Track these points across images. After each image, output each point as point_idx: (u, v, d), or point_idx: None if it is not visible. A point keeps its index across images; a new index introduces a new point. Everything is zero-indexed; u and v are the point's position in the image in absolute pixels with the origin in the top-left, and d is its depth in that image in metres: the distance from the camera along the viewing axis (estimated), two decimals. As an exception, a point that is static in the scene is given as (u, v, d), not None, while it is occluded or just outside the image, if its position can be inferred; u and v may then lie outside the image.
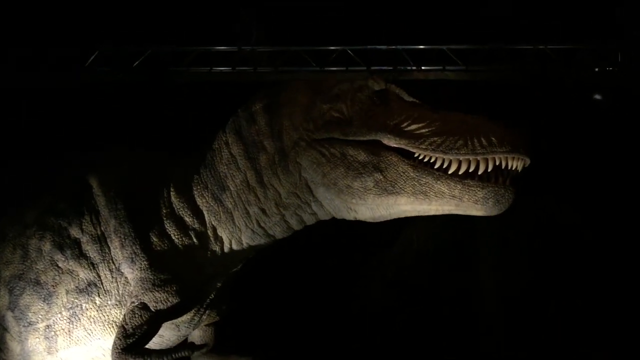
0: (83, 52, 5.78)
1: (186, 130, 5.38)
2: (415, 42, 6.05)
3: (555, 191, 5.19)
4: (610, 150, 5.66)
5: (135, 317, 3.02)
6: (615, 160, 5.66)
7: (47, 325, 3.17)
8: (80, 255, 3.18)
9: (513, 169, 2.75)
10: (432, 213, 2.90)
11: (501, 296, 5.20)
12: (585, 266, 5.27)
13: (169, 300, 3.07)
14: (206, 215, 3.21)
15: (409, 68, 6.00)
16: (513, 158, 2.71)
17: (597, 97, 5.76)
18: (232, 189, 3.16)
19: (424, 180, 2.78)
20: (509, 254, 5.20)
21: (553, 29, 5.86)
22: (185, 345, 3.17)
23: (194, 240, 3.20)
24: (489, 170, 2.73)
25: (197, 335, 3.59)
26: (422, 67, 6.02)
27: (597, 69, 5.78)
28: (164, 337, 3.27)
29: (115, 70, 5.75)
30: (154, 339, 3.14)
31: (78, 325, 3.16)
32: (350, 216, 3.02)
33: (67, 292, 3.16)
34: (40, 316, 3.17)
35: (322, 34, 6.00)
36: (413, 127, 2.83)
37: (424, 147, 2.77)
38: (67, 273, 3.17)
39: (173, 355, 2.96)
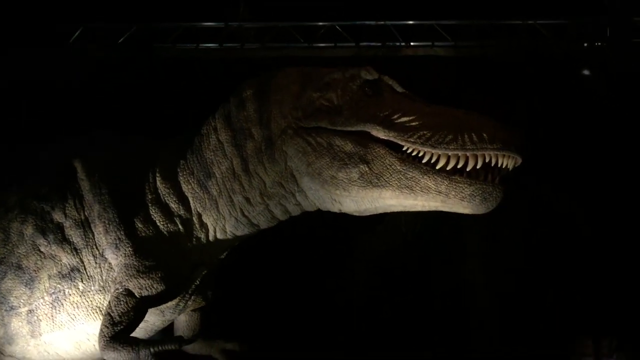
0: (67, 29, 5.70)
1: (173, 107, 5.34)
2: (404, 17, 6.00)
3: (543, 170, 5.20)
4: (598, 125, 5.67)
5: (120, 303, 3.00)
6: (603, 136, 5.67)
7: (30, 310, 3.15)
8: (63, 240, 3.15)
9: (503, 167, 2.70)
10: (418, 209, 2.86)
11: (490, 285, 5.24)
12: (574, 248, 5.32)
13: (153, 287, 3.05)
14: (191, 202, 3.18)
15: (397, 44, 5.95)
16: (504, 156, 2.66)
17: (586, 72, 5.74)
18: (217, 176, 3.13)
19: (411, 174, 2.74)
20: (496, 242, 5.24)
21: (542, 5, 5.81)
22: (174, 338, 3.15)
23: (179, 227, 3.18)
24: (478, 167, 2.68)
25: (183, 320, 3.59)
26: (411, 43, 5.97)
27: (585, 44, 5.76)
28: (149, 322, 3.27)
29: (100, 47, 5.67)
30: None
31: (61, 310, 3.14)
32: (334, 208, 2.99)
33: (50, 277, 3.14)
34: (22, 301, 3.15)
35: (310, 9, 5.92)
36: (403, 119, 2.78)
37: (412, 140, 2.72)
38: (50, 258, 3.14)
39: (161, 347, 2.94)
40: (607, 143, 5.60)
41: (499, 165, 2.69)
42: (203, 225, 3.20)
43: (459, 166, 2.69)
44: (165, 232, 3.16)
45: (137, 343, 2.96)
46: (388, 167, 2.77)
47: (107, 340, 2.96)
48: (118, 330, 2.97)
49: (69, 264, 3.13)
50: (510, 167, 2.72)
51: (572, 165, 5.50)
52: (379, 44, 5.96)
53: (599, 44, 5.71)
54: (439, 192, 2.71)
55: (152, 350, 2.92)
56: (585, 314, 5.28)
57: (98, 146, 3.38)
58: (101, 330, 3.00)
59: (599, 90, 5.66)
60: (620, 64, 5.60)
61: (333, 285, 5.04)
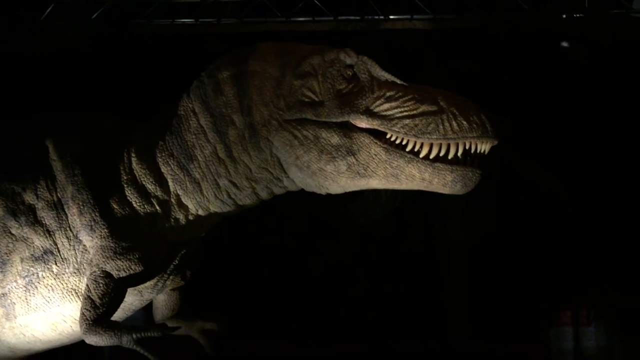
0: (39, 5, 5.55)
1: (148, 84, 5.25)
2: (383, -10, 5.92)
3: (523, 143, 5.22)
4: (577, 96, 5.69)
5: (99, 286, 2.97)
6: (582, 108, 5.70)
7: (3, 294, 3.12)
8: (35, 222, 3.10)
9: (481, 151, 2.83)
10: (401, 189, 3.00)
11: (470, 256, 5.28)
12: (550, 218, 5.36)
13: (131, 268, 3.03)
14: (170, 184, 3.15)
15: (377, 17, 5.88)
16: (482, 142, 2.81)
17: (564, 44, 5.74)
18: (200, 159, 3.09)
19: (396, 163, 2.85)
20: (477, 214, 5.27)
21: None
22: (157, 326, 3.14)
23: (157, 207, 3.14)
24: (459, 154, 2.82)
25: (161, 300, 3.57)
26: (390, 17, 5.91)
27: (564, 16, 5.74)
28: (127, 302, 3.24)
29: (73, 23, 5.54)
30: None
31: (35, 293, 3.11)
32: (321, 192, 3.07)
33: (22, 260, 3.09)
34: None
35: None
36: (385, 107, 2.87)
37: (396, 129, 2.83)
38: (22, 240, 3.09)
39: (144, 334, 2.91)
40: (586, 115, 5.62)
41: (478, 151, 2.83)
42: (182, 206, 3.18)
43: (441, 154, 2.83)
44: (141, 213, 3.12)
45: (119, 328, 2.94)
46: (374, 157, 2.87)
47: (89, 324, 2.93)
48: (100, 313, 2.94)
49: (41, 247, 3.09)
50: (487, 151, 2.85)
51: (552, 137, 5.52)
52: (358, 17, 5.89)
53: (578, 15, 5.69)
54: (423, 180, 2.85)
55: (134, 336, 2.89)
56: (565, 286, 5.35)
57: (70, 125, 3.31)
58: (82, 314, 2.96)
59: (578, 62, 5.66)
60: (599, 35, 5.59)
61: (313, 256, 5.05)
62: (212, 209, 3.18)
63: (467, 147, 2.80)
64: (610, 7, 5.61)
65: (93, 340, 2.96)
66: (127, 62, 5.38)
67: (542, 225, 5.41)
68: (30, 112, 3.59)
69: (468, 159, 2.85)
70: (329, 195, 3.13)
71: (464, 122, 2.77)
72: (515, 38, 5.67)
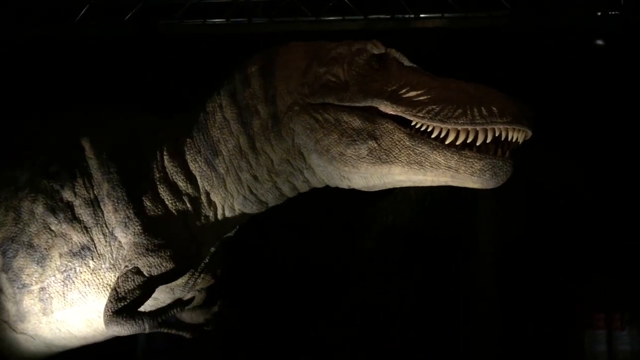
0: (73, 7, 5.65)
1: (180, 85, 5.31)
2: (413, -12, 5.89)
3: (553, 141, 5.14)
4: (612, 98, 5.59)
5: (128, 281, 3.04)
6: (617, 109, 5.59)
7: (42, 288, 3.21)
8: (73, 218, 3.18)
9: (513, 140, 2.67)
10: (427, 184, 2.84)
11: (499, 259, 5.21)
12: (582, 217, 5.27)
13: (162, 265, 3.08)
14: (199, 180, 3.19)
15: (407, 16, 5.86)
16: (514, 129, 2.63)
17: (600, 42, 5.63)
18: (224, 153, 3.12)
19: (420, 149, 2.71)
20: (506, 217, 5.19)
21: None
22: (174, 303, 3.20)
23: (188, 205, 3.19)
24: (488, 141, 2.65)
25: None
26: (421, 15, 5.88)
27: (599, 13, 5.64)
28: (159, 299, 3.31)
29: (107, 24, 5.62)
30: (148, 301, 3.16)
31: (72, 287, 3.19)
32: (343, 184, 2.98)
33: (61, 255, 3.18)
34: (34, 279, 3.20)
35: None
36: (411, 94, 2.75)
37: (421, 115, 2.69)
38: (60, 236, 3.18)
39: (165, 316, 2.99)
40: (619, 115, 5.51)
41: (509, 139, 2.66)
42: (211, 203, 3.22)
43: (468, 141, 2.66)
44: (173, 211, 3.18)
45: (140, 316, 3.01)
46: (397, 142, 2.75)
47: (110, 314, 3.00)
48: (122, 305, 3.01)
49: (79, 242, 3.17)
50: (520, 140, 2.69)
51: (584, 137, 5.43)
52: (388, 16, 5.87)
53: (613, 12, 5.58)
54: (449, 168, 2.68)
55: (159, 319, 2.97)
56: (597, 289, 5.26)
57: (104, 123, 3.39)
58: (105, 305, 3.04)
59: (612, 60, 5.56)
60: (635, 33, 5.48)
61: (335, 257, 5.03)
62: (236, 206, 3.21)
63: (496, 135, 2.63)
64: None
65: (115, 330, 3.02)
66: (158, 63, 5.44)
67: (575, 228, 5.31)
68: (69, 112, 3.66)
69: (499, 151, 2.69)
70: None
71: (494, 108, 2.60)
72: (547, 35, 5.59)
